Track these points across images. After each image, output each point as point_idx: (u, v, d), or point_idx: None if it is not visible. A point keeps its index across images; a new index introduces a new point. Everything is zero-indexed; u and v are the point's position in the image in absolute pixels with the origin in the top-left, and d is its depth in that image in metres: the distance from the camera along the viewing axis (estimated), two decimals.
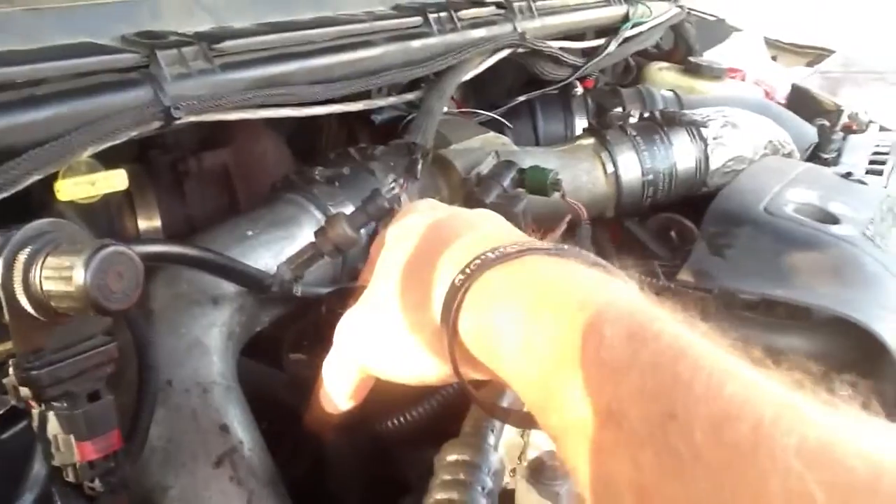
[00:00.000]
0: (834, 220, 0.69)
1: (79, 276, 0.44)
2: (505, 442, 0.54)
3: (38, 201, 0.59)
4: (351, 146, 0.83)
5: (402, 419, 0.73)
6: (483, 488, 0.45)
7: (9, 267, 0.46)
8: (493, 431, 0.48)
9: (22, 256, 0.46)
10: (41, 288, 0.45)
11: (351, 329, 0.47)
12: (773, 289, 0.63)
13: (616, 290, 0.35)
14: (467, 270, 0.38)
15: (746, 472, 0.24)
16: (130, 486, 0.61)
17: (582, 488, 0.30)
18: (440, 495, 0.45)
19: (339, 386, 0.49)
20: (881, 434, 0.25)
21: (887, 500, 0.22)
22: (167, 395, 0.64)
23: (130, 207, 0.87)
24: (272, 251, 0.74)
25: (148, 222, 0.86)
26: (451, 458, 0.47)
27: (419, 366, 0.43)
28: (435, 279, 0.40)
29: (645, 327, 0.30)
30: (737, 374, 0.28)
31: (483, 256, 0.38)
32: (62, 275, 0.44)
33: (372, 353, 0.46)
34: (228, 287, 0.71)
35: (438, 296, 0.40)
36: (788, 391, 0.27)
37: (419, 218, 0.48)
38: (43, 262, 0.46)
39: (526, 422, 0.42)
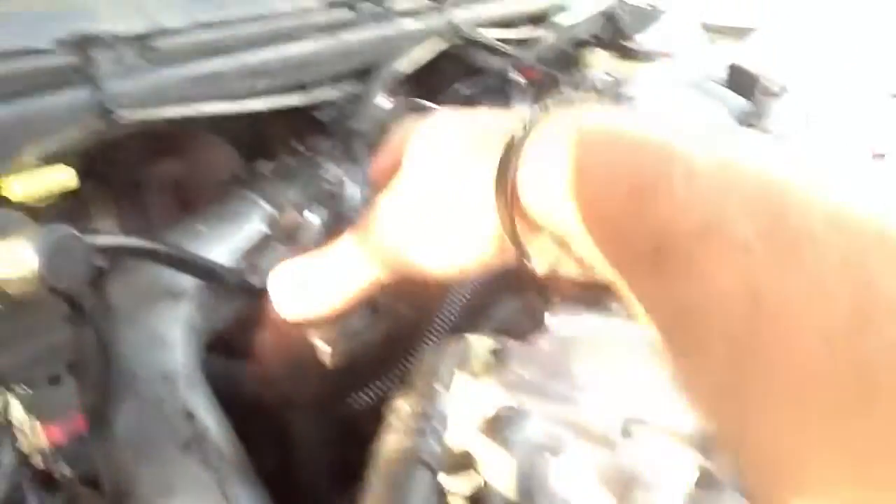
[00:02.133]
0: None
1: (31, 258, 0.46)
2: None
3: None
4: (293, 138, 0.86)
5: (367, 395, 0.75)
6: (435, 434, 0.47)
7: None
8: (441, 381, 0.50)
9: None
10: None
11: (388, 216, 0.45)
12: None
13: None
14: (520, 130, 0.37)
15: None
16: (100, 475, 0.63)
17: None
18: (393, 444, 0.46)
19: (343, 278, 0.47)
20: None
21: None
22: (131, 387, 0.65)
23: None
24: (225, 245, 0.75)
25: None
26: (403, 407, 0.49)
27: (466, 245, 0.42)
28: (482, 151, 0.40)
29: None
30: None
31: (531, 119, 0.38)
32: (13, 257, 0.46)
33: (413, 239, 0.44)
34: (187, 282, 0.73)
35: (488, 167, 0.39)
36: None
37: (446, 116, 0.48)
38: None
39: (588, 286, 0.42)
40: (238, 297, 0.77)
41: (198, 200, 0.94)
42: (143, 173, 0.92)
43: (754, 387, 0.25)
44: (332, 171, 0.73)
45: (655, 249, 0.29)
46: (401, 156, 0.47)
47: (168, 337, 0.70)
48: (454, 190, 0.41)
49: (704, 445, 0.46)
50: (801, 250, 0.25)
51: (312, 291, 0.49)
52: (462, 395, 0.58)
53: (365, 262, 0.47)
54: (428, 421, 0.47)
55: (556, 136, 0.36)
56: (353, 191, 0.78)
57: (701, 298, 0.27)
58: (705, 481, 0.44)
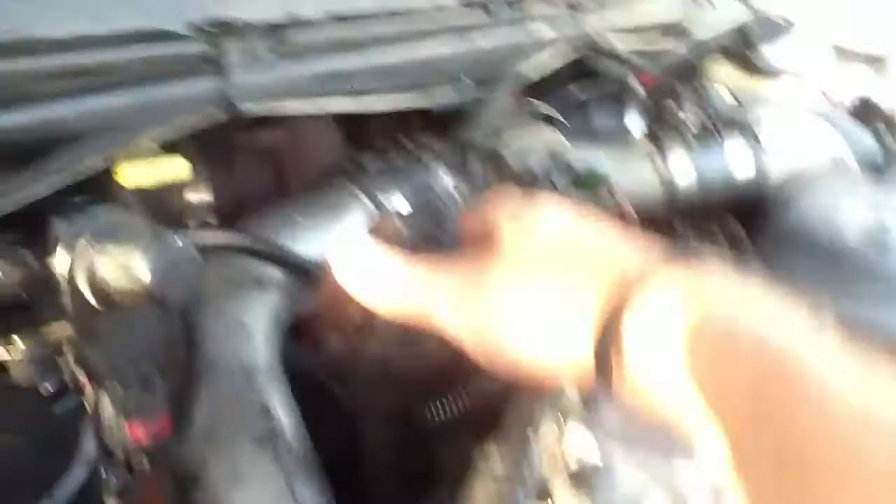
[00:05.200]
0: None
1: (143, 273, 0.46)
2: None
3: (98, 185, 0.60)
4: (401, 131, 0.83)
5: (439, 407, 0.74)
6: (524, 485, 0.46)
7: (72, 257, 0.47)
8: (533, 429, 0.49)
9: (86, 247, 0.47)
10: (104, 281, 0.46)
11: (476, 298, 0.45)
12: None
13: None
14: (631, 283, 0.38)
15: None
16: (173, 462, 0.64)
17: None
18: (482, 491, 0.46)
19: (406, 292, 0.48)
20: None
21: None
22: (211, 376, 0.65)
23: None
24: (321, 237, 0.74)
25: (198, 196, 0.86)
26: (494, 453, 0.48)
27: (551, 351, 0.43)
28: (586, 278, 0.41)
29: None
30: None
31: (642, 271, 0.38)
32: (127, 272, 0.46)
33: (499, 325, 0.44)
34: (274, 271, 0.72)
35: (590, 302, 0.40)
36: None
37: (551, 216, 0.47)
38: (105, 254, 0.47)
39: None
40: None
41: (295, 175, 0.93)
42: (243, 139, 0.91)
43: None
44: (441, 181, 0.70)
45: (777, 443, 0.31)
46: (493, 230, 0.47)
47: (251, 326, 0.70)
48: (549, 301, 0.42)
49: None
50: None
51: (370, 285, 0.51)
52: (550, 443, 0.56)
53: (429, 303, 0.49)
54: (519, 470, 0.46)
55: (669, 306, 0.36)
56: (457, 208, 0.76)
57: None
58: None
